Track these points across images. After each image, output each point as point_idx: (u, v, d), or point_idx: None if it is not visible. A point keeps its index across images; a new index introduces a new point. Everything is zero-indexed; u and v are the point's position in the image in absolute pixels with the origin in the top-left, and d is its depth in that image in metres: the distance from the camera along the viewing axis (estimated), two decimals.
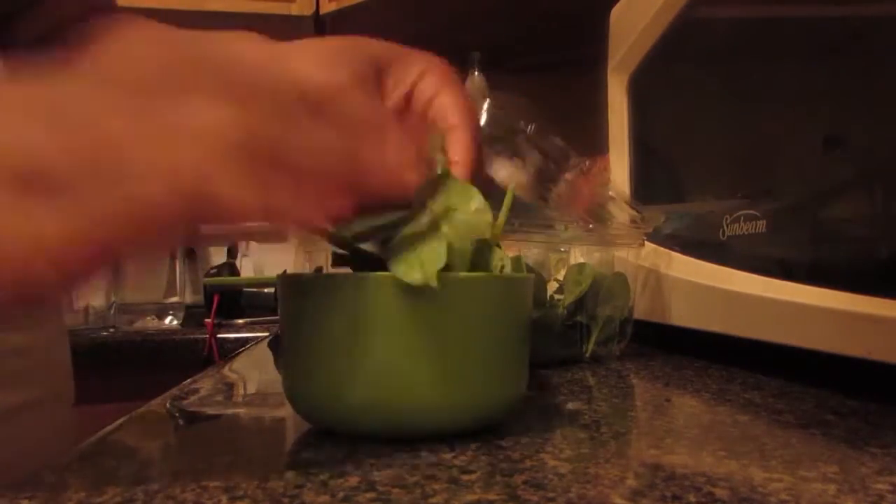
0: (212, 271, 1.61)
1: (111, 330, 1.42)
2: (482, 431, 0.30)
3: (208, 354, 1.26)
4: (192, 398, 0.41)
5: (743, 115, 0.52)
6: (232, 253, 1.64)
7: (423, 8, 1.43)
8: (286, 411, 0.40)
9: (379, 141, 0.26)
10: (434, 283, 0.26)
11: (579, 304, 0.52)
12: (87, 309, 1.50)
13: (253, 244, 1.64)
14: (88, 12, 0.46)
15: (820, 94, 0.44)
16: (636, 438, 0.31)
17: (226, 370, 0.54)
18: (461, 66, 1.34)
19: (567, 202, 0.53)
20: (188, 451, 0.27)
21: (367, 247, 0.29)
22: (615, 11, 0.67)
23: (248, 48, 0.33)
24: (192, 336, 1.30)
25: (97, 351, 1.24)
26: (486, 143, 0.51)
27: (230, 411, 0.39)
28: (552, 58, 1.62)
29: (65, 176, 0.20)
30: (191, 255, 1.68)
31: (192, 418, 0.37)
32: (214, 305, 1.35)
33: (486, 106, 0.49)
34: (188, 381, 0.47)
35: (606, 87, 0.69)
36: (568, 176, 0.51)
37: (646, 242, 0.58)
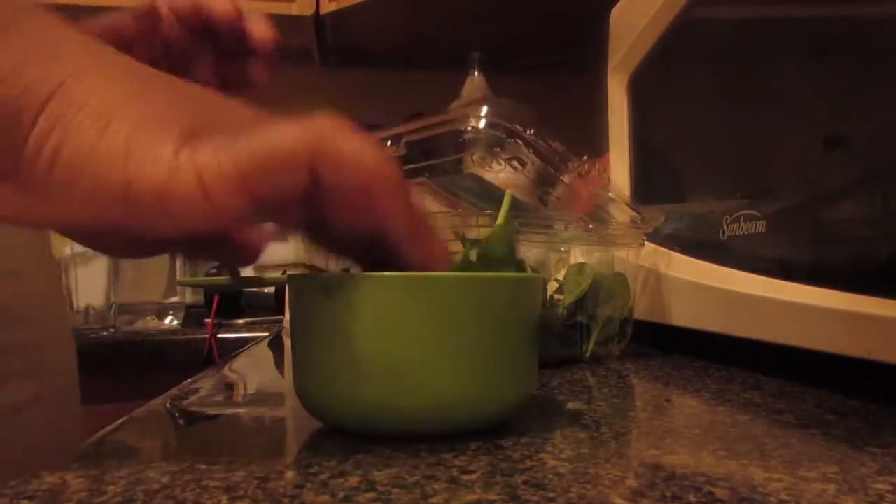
0: (212, 271, 1.61)
1: (111, 330, 1.42)
2: (482, 431, 0.30)
3: (208, 354, 1.26)
4: (192, 398, 0.41)
5: (743, 115, 0.52)
6: None
7: (423, 8, 1.43)
8: (286, 411, 0.40)
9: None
10: None
11: (579, 304, 0.52)
12: (87, 309, 1.50)
13: None
14: None
15: (820, 94, 0.44)
16: (636, 438, 0.31)
17: (226, 370, 0.54)
18: (461, 66, 1.34)
19: (566, 205, 0.53)
20: (188, 451, 0.27)
21: None
22: (615, 11, 0.67)
23: None
24: (192, 336, 1.30)
25: (97, 351, 1.24)
26: (485, 147, 0.51)
27: (230, 411, 0.39)
28: (552, 58, 1.62)
29: (221, 129, 0.25)
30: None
31: (192, 418, 0.37)
32: (214, 305, 1.35)
33: (485, 109, 0.49)
34: (188, 381, 0.47)
35: (606, 87, 0.69)
36: (566, 179, 0.51)
37: (646, 242, 0.58)
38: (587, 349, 0.52)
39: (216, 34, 0.52)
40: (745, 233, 0.47)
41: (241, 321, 1.38)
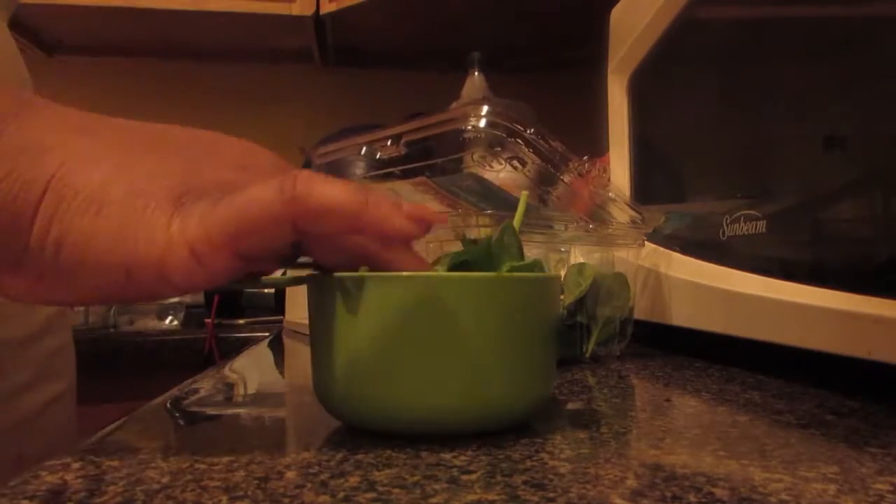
0: None
1: (111, 330, 1.42)
2: (482, 431, 0.30)
3: (208, 354, 1.26)
4: (192, 398, 0.41)
5: (743, 115, 0.52)
6: None
7: (423, 8, 1.42)
8: (286, 411, 0.40)
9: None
10: None
11: (579, 304, 0.52)
12: (87, 309, 1.50)
13: None
14: None
15: (820, 94, 0.44)
16: (636, 438, 0.31)
17: (226, 370, 0.54)
18: (461, 66, 1.34)
19: (566, 205, 0.53)
20: (188, 451, 0.27)
21: None
22: (615, 11, 0.67)
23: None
24: (192, 336, 1.30)
25: (97, 351, 1.24)
26: (485, 146, 0.51)
27: (230, 411, 0.39)
28: (552, 58, 1.62)
29: (204, 190, 0.27)
30: None
31: (192, 418, 0.37)
32: (214, 305, 1.35)
33: (485, 108, 0.49)
34: (188, 381, 0.47)
35: (606, 87, 0.69)
36: (566, 178, 0.51)
37: (646, 242, 0.58)
38: (587, 349, 0.52)
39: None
40: (746, 233, 0.47)
41: (241, 321, 1.38)
